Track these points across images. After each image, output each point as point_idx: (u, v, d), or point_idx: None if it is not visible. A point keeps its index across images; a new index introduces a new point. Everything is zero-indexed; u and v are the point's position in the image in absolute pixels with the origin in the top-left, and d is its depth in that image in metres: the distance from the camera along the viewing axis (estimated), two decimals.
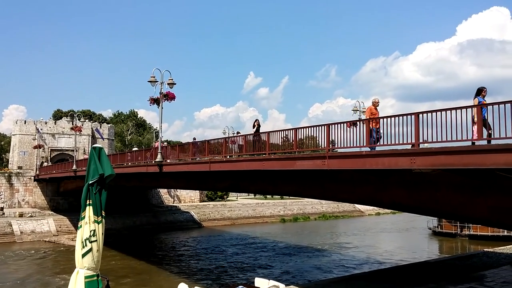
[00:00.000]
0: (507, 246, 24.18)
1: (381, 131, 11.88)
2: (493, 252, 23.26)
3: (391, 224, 53.53)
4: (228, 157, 18.78)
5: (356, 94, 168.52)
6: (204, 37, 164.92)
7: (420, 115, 10.22)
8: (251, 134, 18.10)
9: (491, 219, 10.70)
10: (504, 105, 8.67)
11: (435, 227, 43.06)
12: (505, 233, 33.97)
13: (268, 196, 63.19)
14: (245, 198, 67.52)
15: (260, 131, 18.09)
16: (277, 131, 16.57)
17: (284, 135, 16.14)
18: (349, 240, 40.08)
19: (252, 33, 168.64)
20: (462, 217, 13.21)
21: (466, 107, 9.59)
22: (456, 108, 9.59)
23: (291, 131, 15.29)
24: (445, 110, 9.77)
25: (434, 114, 9.94)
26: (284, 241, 38.97)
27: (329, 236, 43.49)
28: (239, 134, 23.81)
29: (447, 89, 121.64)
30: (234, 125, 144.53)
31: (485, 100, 10.29)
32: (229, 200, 64.27)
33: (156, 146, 28.10)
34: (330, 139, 13.95)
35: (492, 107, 9.06)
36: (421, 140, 10.49)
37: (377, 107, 13.53)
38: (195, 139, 26.18)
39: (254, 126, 18.84)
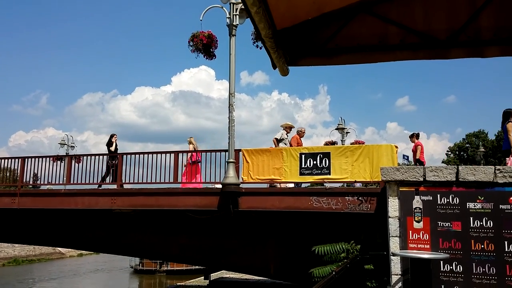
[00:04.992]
0: (196, 279, 26.98)
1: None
2: (185, 285, 25.50)
3: (94, 265, 51.32)
4: None
5: (70, 127, 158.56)
6: None
7: (124, 156, 10.42)
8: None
9: (181, 255, 11.72)
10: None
11: (137, 265, 44.05)
12: (196, 267, 38.03)
13: None
14: None
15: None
16: None
17: None
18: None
19: None
20: (158, 255, 14.00)
21: (166, 152, 10.42)
22: (156, 152, 10.28)
23: None
24: (147, 153, 10.32)
25: (136, 156, 10.34)
26: None
27: (19, 285, 37.62)
28: None
29: (160, 132, 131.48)
30: None
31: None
32: None
33: None
34: (34, 173, 12.64)
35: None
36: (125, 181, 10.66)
37: (301, 137, 12.03)
38: None
39: (111, 144, 12.49)
